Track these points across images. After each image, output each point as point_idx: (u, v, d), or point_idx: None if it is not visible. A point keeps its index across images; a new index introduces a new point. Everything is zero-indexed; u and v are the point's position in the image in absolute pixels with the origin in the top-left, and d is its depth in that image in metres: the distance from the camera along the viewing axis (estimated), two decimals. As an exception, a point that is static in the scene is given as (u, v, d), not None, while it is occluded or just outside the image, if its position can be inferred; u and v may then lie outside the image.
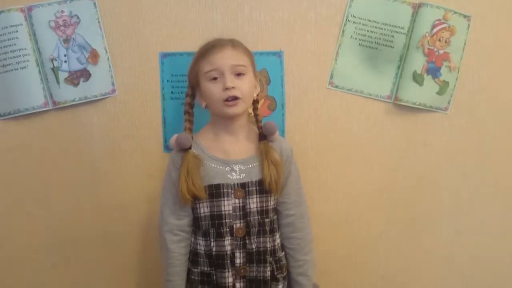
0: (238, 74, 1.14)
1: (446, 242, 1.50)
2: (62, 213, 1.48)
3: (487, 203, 1.48)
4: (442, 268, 1.50)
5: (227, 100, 1.13)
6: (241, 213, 1.16)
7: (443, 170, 1.47)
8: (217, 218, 1.16)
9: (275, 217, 1.22)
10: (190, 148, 1.17)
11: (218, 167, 1.17)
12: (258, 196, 1.17)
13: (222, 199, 1.15)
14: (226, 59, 1.13)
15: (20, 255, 1.50)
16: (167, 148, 1.45)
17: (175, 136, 1.19)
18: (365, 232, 1.49)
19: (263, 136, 1.20)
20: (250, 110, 1.26)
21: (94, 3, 1.40)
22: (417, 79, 1.40)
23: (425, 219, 1.49)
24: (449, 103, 1.44)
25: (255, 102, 1.24)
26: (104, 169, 1.47)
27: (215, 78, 1.14)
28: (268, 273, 1.18)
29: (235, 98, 1.13)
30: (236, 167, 1.17)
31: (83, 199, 1.48)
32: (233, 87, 1.12)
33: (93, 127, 1.45)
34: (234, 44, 1.16)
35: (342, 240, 1.48)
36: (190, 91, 1.24)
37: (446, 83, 1.42)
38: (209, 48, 1.15)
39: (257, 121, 1.24)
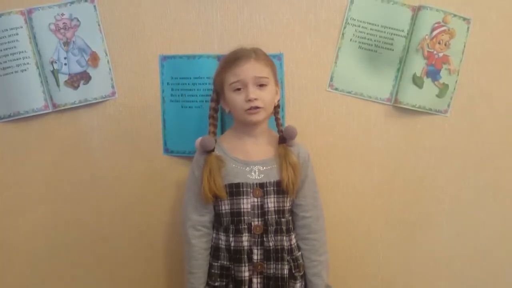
0: (261, 85, 1.20)
1: (446, 244, 1.49)
2: (62, 216, 1.49)
3: (487, 205, 1.48)
4: (442, 270, 1.50)
5: (249, 109, 1.19)
6: (259, 211, 1.21)
7: (442, 172, 1.47)
8: (236, 215, 1.21)
9: (290, 218, 1.27)
10: (213, 150, 1.23)
11: (238, 167, 1.22)
12: (275, 196, 1.22)
13: (242, 197, 1.21)
14: (250, 71, 1.18)
15: (19, 256, 1.51)
16: (166, 150, 1.46)
17: (199, 138, 1.24)
18: (365, 234, 1.49)
19: (283, 140, 1.25)
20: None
21: (94, 6, 1.40)
22: (417, 81, 1.40)
23: (425, 221, 1.49)
24: (448, 105, 1.44)
25: (277, 107, 1.29)
26: (104, 171, 1.47)
27: (238, 89, 1.19)
28: (286, 271, 1.22)
29: (257, 107, 1.19)
30: (256, 168, 1.23)
31: (83, 201, 1.48)
32: (255, 99, 1.18)
33: (93, 129, 1.46)
34: (257, 55, 1.21)
35: (341, 241, 1.48)
36: (215, 96, 1.28)
37: (445, 86, 1.42)
38: (234, 60, 1.20)
39: (278, 125, 1.29)
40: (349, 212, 1.48)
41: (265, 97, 1.19)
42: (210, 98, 1.30)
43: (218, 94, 1.27)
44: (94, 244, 1.50)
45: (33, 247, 1.50)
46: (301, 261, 1.26)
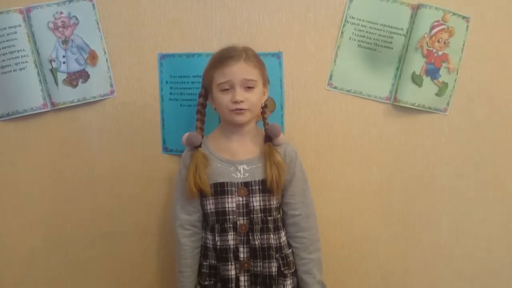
0: (248, 87, 1.20)
1: (445, 243, 1.49)
2: (61, 214, 1.49)
3: (486, 204, 1.48)
4: (441, 268, 1.50)
5: (234, 110, 1.19)
6: (244, 210, 1.22)
7: (442, 171, 1.47)
8: (221, 214, 1.23)
9: (279, 215, 1.27)
10: (200, 146, 1.24)
11: (223, 167, 1.23)
12: (261, 195, 1.23)
13: (226, 196, 1.22)
14: (238, 73, 1.18)
15: (18, 254, 1.51)
16: (165, 149, 1.45)
17: (186, 134, 1.25)
18: (364, 233, 1.49)
19: (269, 138, 1.25)
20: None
21: (93, 4, 1.40)
22: (416, 80, 1.40)
23: (424, 220, 1.49)
24: (448, 104, 1.44)
25: (264, 107, 1.29)
26: (103, 170, 1.47)
27: (226, 89, 1.20)
28: (274, 269, 1.23)
29: (242, 109, 1.19)
30: (241, 167, 1.23)
31: (82, 200, 1.48)
32: (241, 101, 1.18)
33: (92, 128, 1.45)
34: (247, 56, 1.20)
35: (341, 240, 1.48)
36: (203, 92, 1.28)
37: (445, 84, 1.42)
38: (224, 59, 1.19)
39: (265, 124, 1.28)
40: (348, 211, 1.48)
41: (252, 99, 1.20)
42: (198, 94, 1.30)
43: (207, 90, 1.27)
44: (92, 242, 1.50)
45: (31, 245, 1.50)
46: (291, 258, 1.27)
